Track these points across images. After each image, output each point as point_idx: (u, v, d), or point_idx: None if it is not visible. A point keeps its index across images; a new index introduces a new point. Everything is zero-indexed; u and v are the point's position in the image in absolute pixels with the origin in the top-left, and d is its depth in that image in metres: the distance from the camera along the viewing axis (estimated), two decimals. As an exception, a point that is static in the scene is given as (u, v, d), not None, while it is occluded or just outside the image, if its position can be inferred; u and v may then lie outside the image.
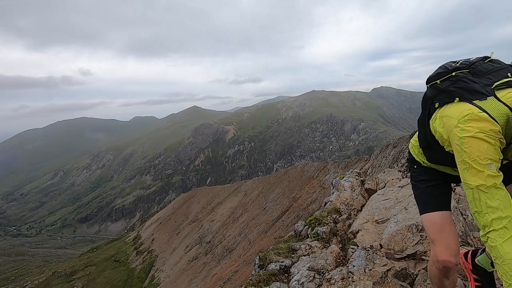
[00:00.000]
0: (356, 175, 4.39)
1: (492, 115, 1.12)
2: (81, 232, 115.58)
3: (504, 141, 1.14)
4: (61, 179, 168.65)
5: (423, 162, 1.62)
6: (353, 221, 3.15)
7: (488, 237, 1.10)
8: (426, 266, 1.93)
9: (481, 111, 1.14)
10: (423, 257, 2.08)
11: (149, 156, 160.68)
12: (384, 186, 3.58)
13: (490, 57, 1.40)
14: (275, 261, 2.62)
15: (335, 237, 2.93)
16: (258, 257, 3.04)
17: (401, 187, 3.24)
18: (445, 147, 1.35)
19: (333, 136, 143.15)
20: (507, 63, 1.35)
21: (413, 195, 3.08)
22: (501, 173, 1.11)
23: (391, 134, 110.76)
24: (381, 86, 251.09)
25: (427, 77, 1.54)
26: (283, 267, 2.56)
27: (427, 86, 1.52)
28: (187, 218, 50.16)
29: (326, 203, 3.93)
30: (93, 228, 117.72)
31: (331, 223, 3.29)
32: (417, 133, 1.66)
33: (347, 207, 3.58)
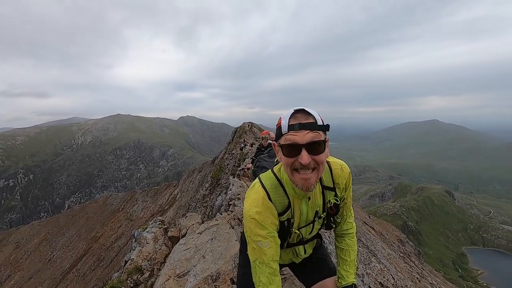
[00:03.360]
0: (160, 223, 4.28)
1: (264, 184, 1.26)
2: None
3: (276, 212, 1.23)
4: None
5: None
6: (156, 279, 3.00)
7: None
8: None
9: (258, 181, 1.28)
10: (217, 308, 2.28)
11: None
12: (186, 233, 3.70)
13: None
14: None
15: (135, 305, 2.65)
16: None
17: (200, 233, 3.49)
18: None
19: (141, 163, 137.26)
20: None
21: (210, 241, 3.41)
22: (272, 252, 1.21)
23: (197, 159, 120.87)
24: (187, 116, 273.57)
25: None
26: None
27: None
28: None
29: (126, 262, 3.50)
30: None
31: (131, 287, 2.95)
32: None
33: (149, 262, 3.36)
